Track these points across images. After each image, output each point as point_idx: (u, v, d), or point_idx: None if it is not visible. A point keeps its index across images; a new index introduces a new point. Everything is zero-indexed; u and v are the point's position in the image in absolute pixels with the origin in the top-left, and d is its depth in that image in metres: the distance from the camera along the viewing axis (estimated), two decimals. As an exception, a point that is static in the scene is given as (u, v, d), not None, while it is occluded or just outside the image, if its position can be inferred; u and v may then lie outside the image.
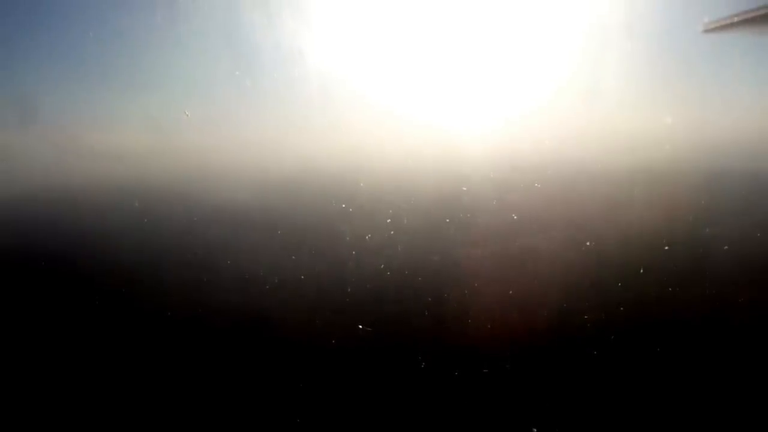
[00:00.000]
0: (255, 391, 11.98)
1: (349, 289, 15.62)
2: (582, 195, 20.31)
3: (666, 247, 16.53)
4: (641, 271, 15.46)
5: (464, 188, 19.66)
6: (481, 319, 14.08)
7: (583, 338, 13.13)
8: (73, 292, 16.67)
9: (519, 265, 16.65)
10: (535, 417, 10.75)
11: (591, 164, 22.82)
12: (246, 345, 13.65)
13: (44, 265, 18.69)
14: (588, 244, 17.10)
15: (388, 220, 18.04)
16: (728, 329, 13.19)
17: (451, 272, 16.63)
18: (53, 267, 18.48)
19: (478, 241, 17.68)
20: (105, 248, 19.96)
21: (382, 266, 16.45)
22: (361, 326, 13.67)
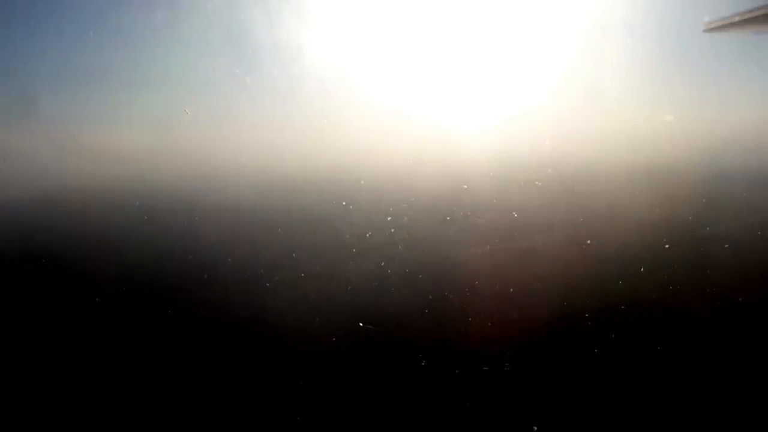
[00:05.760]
0: (256, 391, 11.98)
1: (349, 287, 15.63)
2: (583, 194, 20.30)
3: (666, 246, 16.54)
4: (642, 269, 15.48)
5: (465, 186, 19.65)
6: (482, 317, 14.09)
7: (584, 337, 13.15)
8: (73, 291, 16.67)
9: (520, 264, 16.66)
10: (536, 416, 10.77)
11: (592, 163, 22.79)
12: (246, 343, 13.66)
13: (44, 264, 18.68)
14: (588, 242, 17.10)
15: (389, 218, 18.04)
16: (729, 329, 13.21)
17: (452, 270, 16.64)
18: (53, 266, 18.46)
19: (479, 239, 17.67)
20: (105, 247, 19.95)
21: (383, 264, 16.46)
22: (361, 324, 13.68)
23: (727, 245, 16.67)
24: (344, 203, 19.39)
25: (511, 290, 15.02)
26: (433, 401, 11.35)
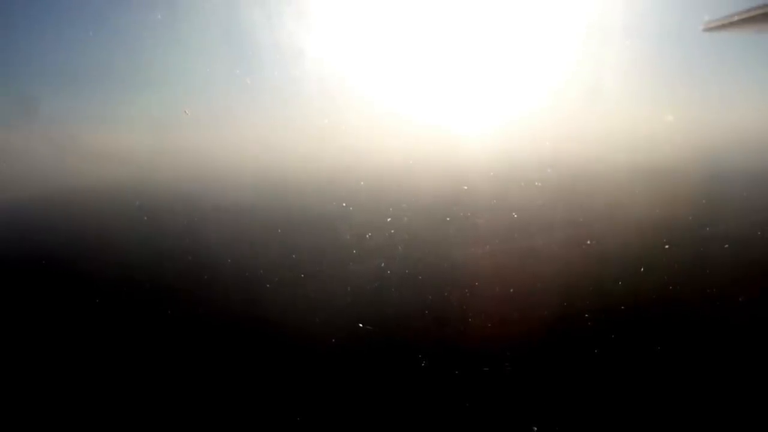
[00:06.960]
0: (255, 391, 11.99)
1: (349, 288, 15.63)
2: (583, 194, 20.31)
3: (666, 246, 16.54)
4: (642, 269, 15.47)
5: (465, 187, 19.65)
6: (482, 317, 14.09)
7: (584, 337, 13.14)
8: (73, 291, 16.67)
9: (520, 264, 16.65)
10: (535, 416, 10.76)
11: (592, 163, 22.80)
12: (246, 344, 13.66)
13: (44, 264, 18.69)
14: (588, 243, 17.10)
15: (389, 219, 18.04)
16: (728, 328, 13.20)
17: (452, 271, 16.64)
18: (53, 266, 18.47)
19: (479, 239, 17.68)
20: (105, 247, 19.95)
21: (383, 265, 16.46)
22: (361, 325, 13.68)
23: (727, 245, 16.66)
24: (344, 204, 19.40)
25: (511, 291, 15.02)
26: (433, 401, 11.35)
